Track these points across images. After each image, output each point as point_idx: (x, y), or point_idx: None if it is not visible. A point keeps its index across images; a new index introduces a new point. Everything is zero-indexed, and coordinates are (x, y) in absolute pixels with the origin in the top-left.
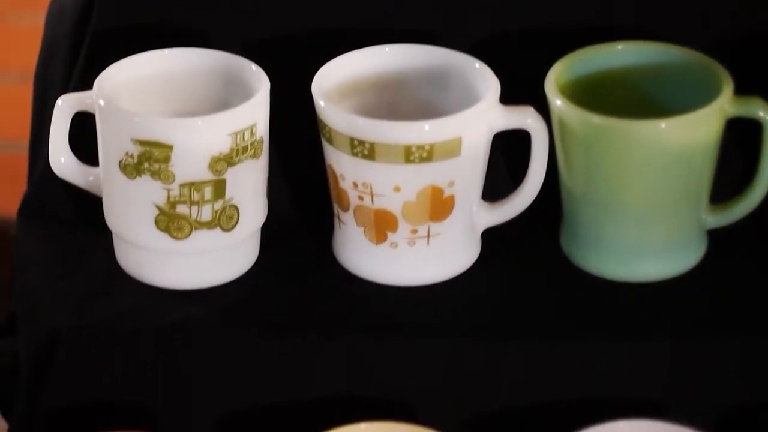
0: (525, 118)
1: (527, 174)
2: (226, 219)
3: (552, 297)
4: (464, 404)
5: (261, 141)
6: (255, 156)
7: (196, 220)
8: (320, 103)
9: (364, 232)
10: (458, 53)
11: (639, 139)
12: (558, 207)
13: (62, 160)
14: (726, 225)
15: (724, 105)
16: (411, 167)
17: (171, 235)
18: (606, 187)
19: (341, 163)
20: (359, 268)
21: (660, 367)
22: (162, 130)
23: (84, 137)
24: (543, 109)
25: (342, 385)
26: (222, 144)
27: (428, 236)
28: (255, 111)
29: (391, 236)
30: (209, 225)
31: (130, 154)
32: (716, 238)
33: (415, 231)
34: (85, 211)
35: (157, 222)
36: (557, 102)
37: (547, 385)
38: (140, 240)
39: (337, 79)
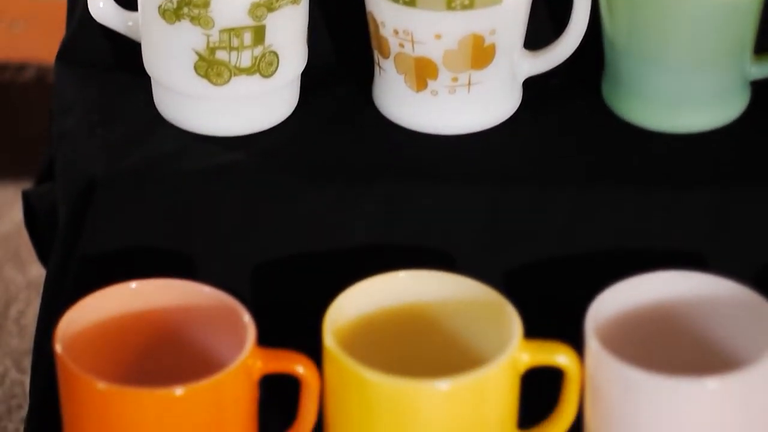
0: None
1: (569, 23)
2: (266, 65)
3: (593, 146)
4: (504, 254)
5: None
6: (295, 2)
7: (235, 66)
8: None
9: (405, 79)
10: None
11: None
12: (600, 56)
13: (101, 4)
14: None
15: None
16: (452, 14)
17: (210, 81)
18: (649, 38)
19: (382, 10)
20: (399, 116)
21: (701, 219)
22: None
23: None
24: None
25: (381, 233)
26: None
27: (469, 84)
28: None
29: (431, 84)
30: (249, 71)
31: None
32: (759, 89)
33: (455, 79)
34: (123, 56)
35: (196, 68)
36: None
37: (587, 235)
38: (179, 86)
39: None
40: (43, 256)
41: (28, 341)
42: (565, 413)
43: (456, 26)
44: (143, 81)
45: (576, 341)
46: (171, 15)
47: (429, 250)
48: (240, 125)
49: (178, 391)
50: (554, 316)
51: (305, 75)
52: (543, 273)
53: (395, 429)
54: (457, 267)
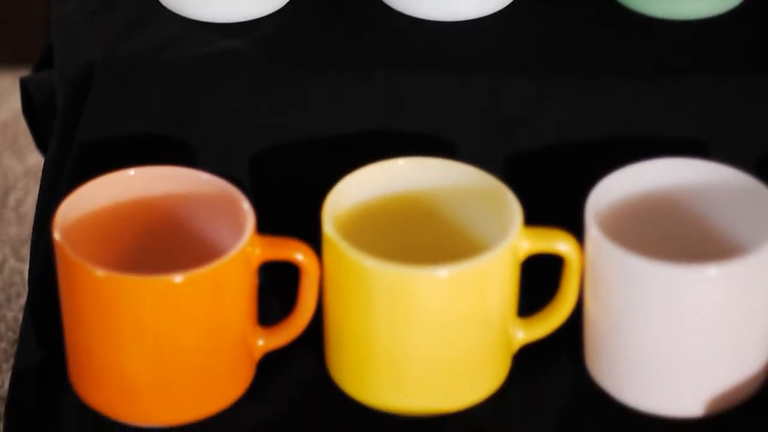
0: None
1: None
2: None
3: (596, 34)
4: (504, 141)
5: None
6: None
7: None
8: None
9: None
10: None
11: None
12: None
13: None
14: None
15: None
16: None
17: None
18: None
19: None
20: (399, 3)
21: (702, 106)
22: None
23: None
24: None
25: (380, 120)
26: None
27: None
28: None
29: None
30: None
31: None
32: None
33: None
34: None
35: None
36: None
37: (588, 123)
38: None
39: None
40: (42, 144)
41: (26, 229)
42: (565, 301)
43: None
44: None
45: (576, 230)
46: None
47: (429, 138)
48: (239, 12)
49: (177, 278)
50: (554, 204)
51: None
52: (543, 160)
53: (394, 317)
54: (458, 154)
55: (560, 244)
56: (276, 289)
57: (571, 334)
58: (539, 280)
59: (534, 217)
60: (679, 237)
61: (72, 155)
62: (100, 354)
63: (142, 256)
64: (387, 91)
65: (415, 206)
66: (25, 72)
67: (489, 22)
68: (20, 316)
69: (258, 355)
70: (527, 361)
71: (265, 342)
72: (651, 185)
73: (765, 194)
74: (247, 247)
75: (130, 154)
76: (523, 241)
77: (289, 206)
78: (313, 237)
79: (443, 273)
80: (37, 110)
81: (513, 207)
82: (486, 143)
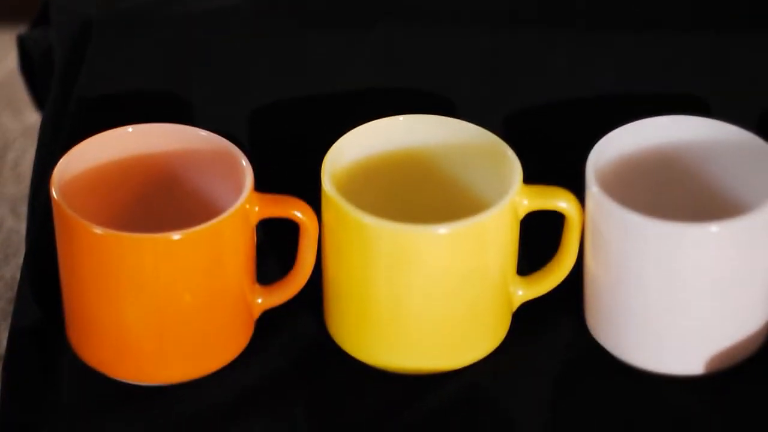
0: None
1: None
2: None
3: None
4: (505, 98)
5: None
6: None
7: None
8: None
9: None
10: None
11: None
12: None
13: None
14: None
15: None
16: None
17: None
18: None
19: None
20: None
21: (703, 63)
22: None
23: None
24: None
25: (379, 77)
26: None
27: None
28: None
29: None
30: None
31: None
32: None
33: None
34: None
35: None
36: None
37: (588, 80)
38: None
39: None
40: (40, 102)
41: (24, 188)
42: (565, 259)
43: None
44: None
45: (577, 188)
46: None
47: (429, 94)
48: None
49: (176, 236)
50: (555, 161)
51: None
52: (544, 118)
53: (394, 274)
54: (458, 111)
55: (560, 201)
56: (275, 247)
57: (571, 292)
58: (540, 238)
59: (534, 175)
60: (680, 194)
61: (70, 112)
62: (98, 312)
63: (141, 213)
64: (386, 47)
65: (415, 164)
66: (23, 29)
67: None
68: (18, 275)
69: (257, 313)
70: (527, 318)
71: (264, 300)
72: (652, 142)
73: (766, 152)
74: (245, 205)
75: (129, 111)
76: (523, 199)
77: (288, 164)
78: (312, 195)
79: (443, 230)
80: (34, 68)
81: (513, 164)
82: (486, 100)
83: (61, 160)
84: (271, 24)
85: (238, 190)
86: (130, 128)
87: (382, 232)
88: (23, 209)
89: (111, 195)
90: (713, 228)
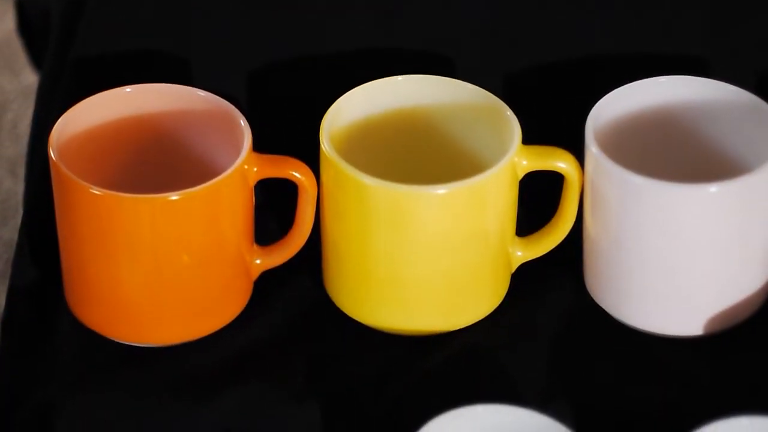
0: None
1: None
2: None
3: None
4: (504, 58)
5: None
6: None
7: None
8: None
9: None
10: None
11: None
12: None
13: None
14: None
15: None
16: None
17: None
18: None
19: None
20: None
21: (702, 23)
22: None
23: None
24: None
25: (378, 37)
26: None
27: None
28: None
29: None
30: None
31: None
32: None
33: None
34: None
35: None
36: None
37: (587, 40)
38: None
39: None
40: (38, 62)
41: (22, 149)
42: (564, 219)
43: None
44: None
45: (576, 148)
46: None
47: (428, 55)
48: None
49: (174, 196)
50: (554, 122)
51: None
52: (543, 78)
53: (393, 235)
54: (457, 71)
55: (559, 161)
56: (273, 208)
57: (571, 253)
58: (539, 199)
59: (533, 136)
60: (679, 155)
61: (67, 73)
62: (96, 273)
63: (139, 173)
64: (386, 7)
65: (414, 124)
66: None
67: None
68: (16, 236)
69: (255, 274)
70: (526, 279)
71: (263, 261)
72: (651, 103)
73: (766, 111)
74: (244, 165)
75: (126, 71)
76: (522, 159)
77: (287, 124)
78: (310, 155)
79: (442, 191)
80: (32, 28)
81: (512, 124)
82: (485, 60)
83: (58, 121)
84: None
85: (237, 151)
86: (128, 88)
87: (381, 192)
88: (21, 170)
89: (109, 155)
90: (712, 188)
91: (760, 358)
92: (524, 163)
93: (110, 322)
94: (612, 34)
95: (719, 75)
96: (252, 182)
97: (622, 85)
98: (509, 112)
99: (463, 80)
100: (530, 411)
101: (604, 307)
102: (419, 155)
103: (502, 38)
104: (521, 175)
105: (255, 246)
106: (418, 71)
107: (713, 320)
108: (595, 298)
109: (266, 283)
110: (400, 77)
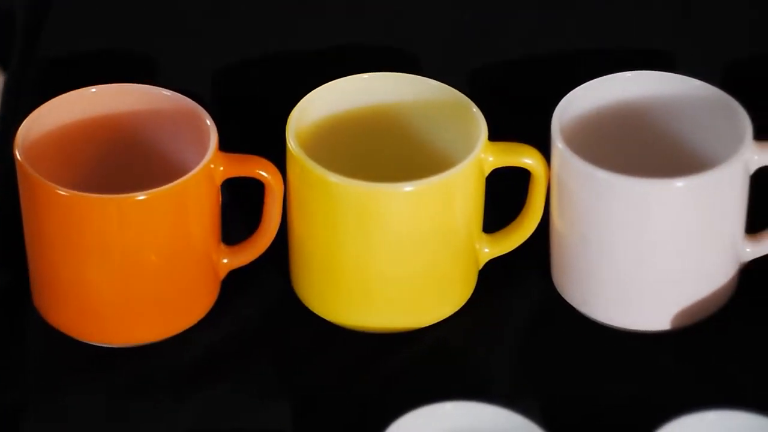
0: None
1: None
2: None
3: None
4: (469, 54)
5: None
6: None
7: None
8: None
9: None
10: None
11: None
12: None
13: None
14: None
15: None
16: None
17: None
18: None
19: None
20: None
21: (667, 17)
22: None
23: None
24: None
25: (344, 34)
26: None
27: None
28: None
29: None
30: None
31: None
32: None
33: None
34: None
35: None
36: None
37: (553, 35)
38: None
39: None
40: (2, 63)
41: None
42: (531, 215)
43: None
44: None
45: (542, 144)
46: None
47: (394, 52)
48: None
49: (140, 196)
50: (520, 118)
51: None
52: (508, 75)
53: (360, 232)
54: (423, 68)
55: (525, 157)
56: (240, 207)
57: (538, 250)
58: (506, 196)
59: (499, 132)
60: (645, 150)
61: (33, 73)
62: (63, 274)
63: (105, 174)
64: (350, 4)
65: (380, 121)
66: None
67: None
68: None
69: (222, 274)
70: (494, 276)
71: (230, 260)
72: (617, 98)
73: (731, 106)
74: (210, 164)
75: (92, 71)
76: (489, 156)
77: (253, 123)
78: (277, 154)
79: (408, 188)
80: None
81: (478, 121)
82: (451, 57)
83: (24, 122)
84: None
85: (203, 150)
86: (93, 89)
87: (347, 190)
88: None
89: (75, 156)
90: (678, 183)
91: (727, 353)
92: (490, 159)
93: (78, 323)
94: (578, 30)
95: (685, 70)
96: (218, 181)
97: (588, 80)
98: (475, 109)
99: (428, 77)
100: (499, 408)
101: (571, 302)
102: (385, 153)
103: (467, 35)
104: (488, 171)
105: (222, 245)
106: (383, 69)
107: (680, 315)
108: (562, 294)
109: (234, 283)
110: (366, 75)
